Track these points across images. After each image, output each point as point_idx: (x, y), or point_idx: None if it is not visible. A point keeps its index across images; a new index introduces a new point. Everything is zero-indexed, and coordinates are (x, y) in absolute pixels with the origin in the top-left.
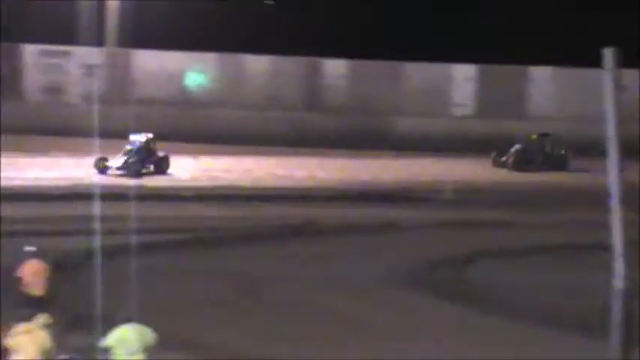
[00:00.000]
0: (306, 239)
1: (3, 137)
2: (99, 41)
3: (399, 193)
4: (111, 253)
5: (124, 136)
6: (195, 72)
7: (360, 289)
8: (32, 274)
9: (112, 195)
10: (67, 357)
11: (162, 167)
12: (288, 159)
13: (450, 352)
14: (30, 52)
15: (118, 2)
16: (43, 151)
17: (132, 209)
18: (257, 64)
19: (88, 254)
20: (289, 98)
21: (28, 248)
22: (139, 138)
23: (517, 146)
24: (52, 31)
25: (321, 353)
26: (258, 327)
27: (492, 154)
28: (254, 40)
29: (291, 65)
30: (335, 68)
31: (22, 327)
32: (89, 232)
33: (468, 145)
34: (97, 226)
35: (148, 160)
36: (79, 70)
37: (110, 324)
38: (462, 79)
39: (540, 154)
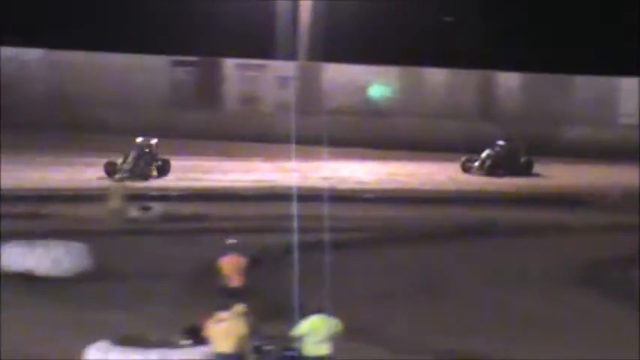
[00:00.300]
0: (482, 239)
1: (208, 143)
2: (292, 56)
3: (569, 197)
4: (304, 249)
5: (317, 142)
6: (379, 84)
7: (530, 288)
8: (231, 266)
9: (306, 196)
10: (260, 343)
11: (164, 170)
12: None
13: (615, 351)
14: (229, 65)
15: (310, 20)
16: (242, 156)
17: (324, 209)
18: (435, 77)
19: (284, 250)
20: (465, 108)
21: (230, 240)
22: (145, 142)
23: (488, 151)
24: (249, 46)
25: (494, 349)
26: (434, 321)
27: (462, 159)
28: (433, 54)
29: (467, 77)
30: (508, 80)
31: (220, 315)
32: (285, 230)
33: (634, 152)
34: (293, 224)
35: (152, 164)
36: (274, 82)
37: (302, 314)
38: (629, 90)
39: (509, 159)
